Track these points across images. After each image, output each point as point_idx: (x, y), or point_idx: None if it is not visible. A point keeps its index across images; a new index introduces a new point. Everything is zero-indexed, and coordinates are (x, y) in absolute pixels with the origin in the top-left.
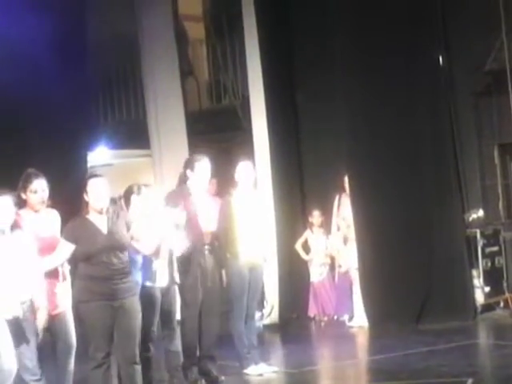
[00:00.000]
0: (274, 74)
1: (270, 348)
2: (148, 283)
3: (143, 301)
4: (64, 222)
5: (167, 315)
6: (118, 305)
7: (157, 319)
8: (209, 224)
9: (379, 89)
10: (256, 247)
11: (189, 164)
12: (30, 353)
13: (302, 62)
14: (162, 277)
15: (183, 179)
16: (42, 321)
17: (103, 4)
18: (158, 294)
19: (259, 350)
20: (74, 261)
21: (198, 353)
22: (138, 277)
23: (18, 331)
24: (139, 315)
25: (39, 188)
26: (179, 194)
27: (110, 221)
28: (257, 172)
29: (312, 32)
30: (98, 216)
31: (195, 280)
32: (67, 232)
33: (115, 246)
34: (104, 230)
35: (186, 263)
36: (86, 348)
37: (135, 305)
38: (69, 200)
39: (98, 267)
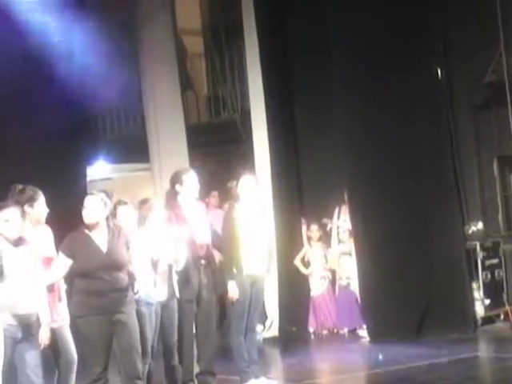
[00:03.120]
0: (275, 86)
1: (269, 361)
2: (147, 298)
3: (143, 315)
4: (63, 236)
5: (167, 329)
6: (115, 319)
7: (156, 334)
8: (203, 236)
9: (378, 102)
10: (258, 261)
11: (176, 179)
12: (36, 367)
13: (302, 75)
14: (161, 291)
15: (172, 195)
16: (44, 336)
17: (103, 18)
18: (158, 309)
19: (259, 363)
20: (70, 276)
21: (196, 367)
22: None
23: (25, 346)
24: (138, 329)
25: (44, 203)
26: (171, 211)
27: (110, 239)
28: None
29: (311, 45)
30: (96, 232)
31: (192, 293)
32: (66, 246)
33: (113, 265)
34: (103, 247)
35: (184, 277)
36: (83, 363)
37: (134, 319)
38: (68, 214)
39: (95, 282)
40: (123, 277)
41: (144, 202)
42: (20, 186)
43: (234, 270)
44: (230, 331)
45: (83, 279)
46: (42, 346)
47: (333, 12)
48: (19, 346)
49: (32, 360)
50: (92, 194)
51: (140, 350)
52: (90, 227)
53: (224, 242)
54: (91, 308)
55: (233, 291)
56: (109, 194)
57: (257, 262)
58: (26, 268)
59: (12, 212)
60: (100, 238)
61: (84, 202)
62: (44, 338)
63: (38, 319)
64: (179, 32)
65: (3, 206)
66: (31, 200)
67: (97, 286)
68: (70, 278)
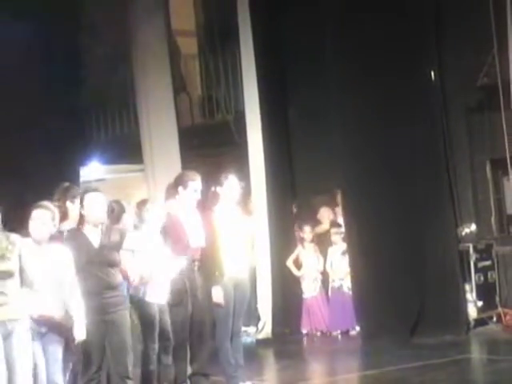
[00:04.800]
0: (270, 88)
1: (262, 363)
2: (147, 298)
3: (142, 315)
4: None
5: (162, 329)
6: (108, 319)
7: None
8: (198, 240)
9: (372, 104)
10: (240, 263)
11: (181, 181)
12: (56, 362)
13: (297, 77)
14: (160, 294)
15: (172, 194)
16: (79, 334)
17: (96, 20)
18: (156, 310)
19: (250, 366)
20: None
21: (190, 368)
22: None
23: (48, 339)
24: (129, 329)
25: None
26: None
27: (103, 235)
28: (251, 186)
29: (306, 47)
30: (92, 229)
31: (184, 295)
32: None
33: (104, 261)
34: (96, 243)
35: (176, 279)
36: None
37: (126, 319)
38: None
39: (88, 281)
40: (116, 275)
41: (142, 203)
42: (66, 184)
43: (217, 274)
44: (216, 336)
45: (78, 277)
46: (75, 342)
47: (328, 15)
48: (43, 340)
49: (53, 354)
50: (96, 190)
51: (131, 350)
52: (91, 225)
53: (206, 245)
54: (86, 308)
55: (217, 296)
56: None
57: (237, 263)
58: (50, 268)
59: (41, 212)
60: (94, 235)
61: (89, 199)
62: (79, 335)
63: (65, 315)
64: (173, 33)
65: (37, 205)
66: (74, 198)
67: (91, 285)
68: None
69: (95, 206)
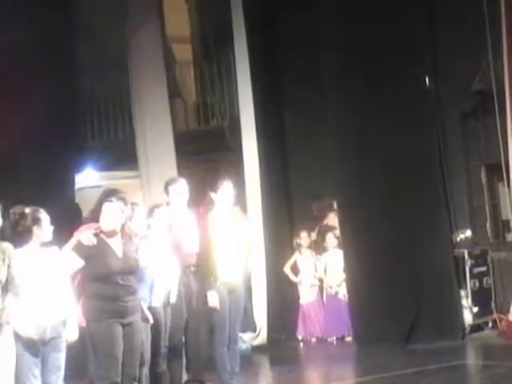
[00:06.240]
0: (264, 94)
1: (258, 369)
2: (155, 303)
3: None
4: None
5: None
6: (127, 322)
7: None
8: (192, 245)
9: (366, 109)
10: (234, 269)
11: (164, 190)
12: (58, 370)
13: (291, 83)
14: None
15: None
16: (70, 336)
17: (92, 26)
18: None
19: (245, 372)
20: (83, 279)
21: (185, 374)
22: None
23: (51, 346)
24: (142, 333)
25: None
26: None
27: (124, 244)
28: (246, 192)
29: (301, 53)
30: (111, 236)
31: (179, 300)
32: (81, 248)
33: (128, 270)
34: (119, 252)
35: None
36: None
37: (140, 323)
38: (57, 222)
39: (109, 287)
40: (134, 281)
41: (152, 208)
42: (107, 189)
43: (212, 279)
44: (213, 342)
45: (97, 283)
46: (67, 342)
47: (323, 21)
48: (45, 347)
49: (54, 362)
50: (111, 201)
51: (139, 353)
52: (106, 233)
53: (200, 250)
54: (107, 312)
55: (213, 301)
56: (126, 201)
57: (232, 269)
58: (51, 273)
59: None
60: (115, 243)
61: (104, 208)
62: (70, 337)
63: (65, 321)
64: (168, 40)
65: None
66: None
67: (112, 291)
68: (82, 282)
69: (107, 217)
